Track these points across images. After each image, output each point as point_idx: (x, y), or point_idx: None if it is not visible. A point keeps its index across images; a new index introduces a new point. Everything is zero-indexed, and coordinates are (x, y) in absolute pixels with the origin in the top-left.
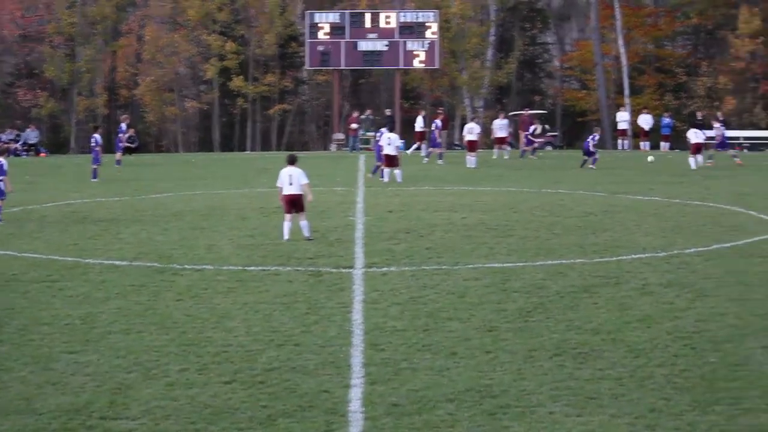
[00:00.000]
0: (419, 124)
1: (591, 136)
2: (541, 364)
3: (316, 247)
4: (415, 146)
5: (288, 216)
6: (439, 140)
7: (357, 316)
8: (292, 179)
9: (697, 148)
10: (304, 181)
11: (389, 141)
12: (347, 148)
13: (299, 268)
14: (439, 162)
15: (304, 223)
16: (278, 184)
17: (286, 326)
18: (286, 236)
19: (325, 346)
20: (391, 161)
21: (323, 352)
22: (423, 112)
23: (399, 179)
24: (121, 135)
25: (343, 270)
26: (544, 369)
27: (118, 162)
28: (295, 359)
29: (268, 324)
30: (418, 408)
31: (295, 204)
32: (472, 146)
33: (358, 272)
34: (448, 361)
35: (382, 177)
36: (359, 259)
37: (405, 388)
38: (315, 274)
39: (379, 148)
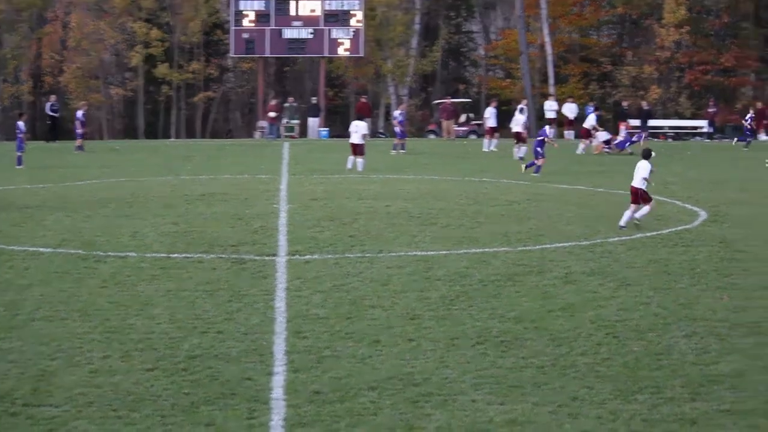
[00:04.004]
0: (491, 117)
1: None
2: (464, 353)
3: (239, 235)
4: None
5: None
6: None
7: (280, 303)
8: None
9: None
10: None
11: (356, 129)
12: (272, 136)
13: (222, 256)
14: (402, 152)
15: None
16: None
17: (209, 314)
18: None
19: (248, 334)
20: (356, 149)
21: (246, 339)
22: (495, 103)
23: (360, 168)
24: (77, 122)
25: (267, 258)
26: (467, 357)
27: (80, 147)
28: (218, 347)
29: (192, 311)
30: (340, 396)
31: (636, 195)
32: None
33: (281, 260)
34: (371, 349)
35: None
36: (282, 246)
37: (327, 376)
38: (238, 261)
39: (538, 143)
